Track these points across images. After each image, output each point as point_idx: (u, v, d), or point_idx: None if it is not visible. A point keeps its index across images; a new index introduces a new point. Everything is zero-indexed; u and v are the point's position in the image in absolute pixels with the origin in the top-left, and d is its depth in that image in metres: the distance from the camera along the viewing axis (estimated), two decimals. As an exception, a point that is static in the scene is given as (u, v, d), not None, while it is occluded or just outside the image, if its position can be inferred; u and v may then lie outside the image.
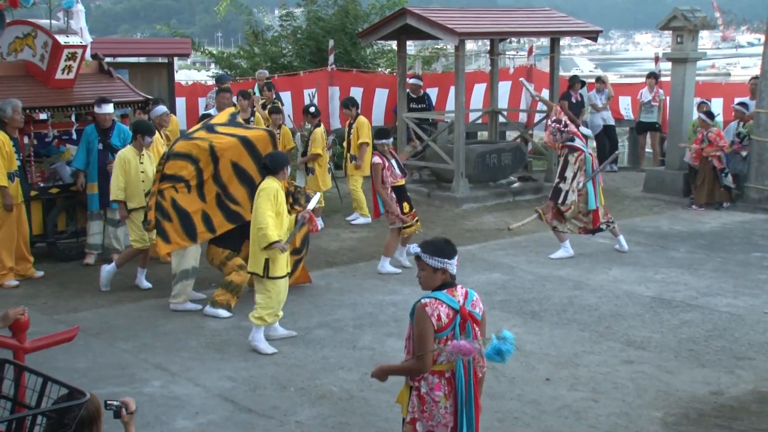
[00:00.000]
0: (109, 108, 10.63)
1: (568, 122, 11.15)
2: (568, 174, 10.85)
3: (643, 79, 17.87)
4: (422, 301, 4.64)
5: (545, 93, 15.19)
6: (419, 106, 16.15)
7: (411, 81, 16.30)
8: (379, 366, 4.98)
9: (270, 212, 7.79)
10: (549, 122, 11.28)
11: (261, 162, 8.57)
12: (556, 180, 10.99)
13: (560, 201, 10.87)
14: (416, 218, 10.54)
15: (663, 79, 17.19)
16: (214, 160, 9.04)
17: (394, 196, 10.26)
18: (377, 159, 10.24)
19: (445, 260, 4.66)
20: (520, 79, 15.87)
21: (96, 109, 10.62)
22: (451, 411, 4.65)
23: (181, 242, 9.03)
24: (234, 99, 14.71)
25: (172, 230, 8.99)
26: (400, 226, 10.31)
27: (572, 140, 10.93)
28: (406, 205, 10.36)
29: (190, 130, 9.62)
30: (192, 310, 8.97)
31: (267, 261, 7.86)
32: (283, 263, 8.00)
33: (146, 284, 9.90)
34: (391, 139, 10.52)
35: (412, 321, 4.67)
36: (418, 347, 4.61)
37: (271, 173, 7.98)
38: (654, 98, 16.91)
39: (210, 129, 9.36)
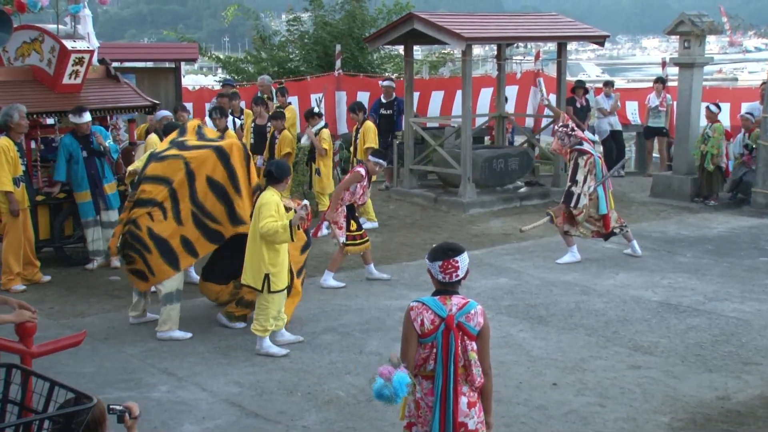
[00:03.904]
0: (87, 117, 10.53)
1: (575, 127, 11.22)
2: (579, 177, 10.86)
3: (651, 84, 17.84)
4: (410, 304, 4.65)
5: (552, 98, 15.17)
6: (387, 112, 15.60)
7: (384, 84, 15.88)
8: None
9: (272, 221, 7.59)
10: (556, 128, 11.30)
11: (234, 175, 8.39)
12: (568, 184, 11.01)
13: (572, 204, 10.88)
14: (365, 239, 10.23)
15: (670, 84, 17.17)
16: (190, 179, 8.40)
17: (345, 210, 10.05)
18: (362, 171, 10.09)
19: (431, 263, 4.63)
20: (538, 78, 15.88)
21: (75, 119, 10.45)
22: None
23: (161, 275, 8.36)
24: (242, 105, 14.75)
25: (152, 262, 8.36)
26: (345, 241, 10.00)
27: (580, 144, 10.98)
28: (354, 224, 10.13)
29: (159, 149, 8.85)
30: (180, 338, 8.29)
31: (267, 276, 7.75)
32: (284, 276, 7.92)
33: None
34: (386, 163, 10.56)
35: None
36: (401, 349, 4.61)
37: (275, 182, 7.82)
38: (661, 103, 16.88)
39: (181, 146, 8.68)
